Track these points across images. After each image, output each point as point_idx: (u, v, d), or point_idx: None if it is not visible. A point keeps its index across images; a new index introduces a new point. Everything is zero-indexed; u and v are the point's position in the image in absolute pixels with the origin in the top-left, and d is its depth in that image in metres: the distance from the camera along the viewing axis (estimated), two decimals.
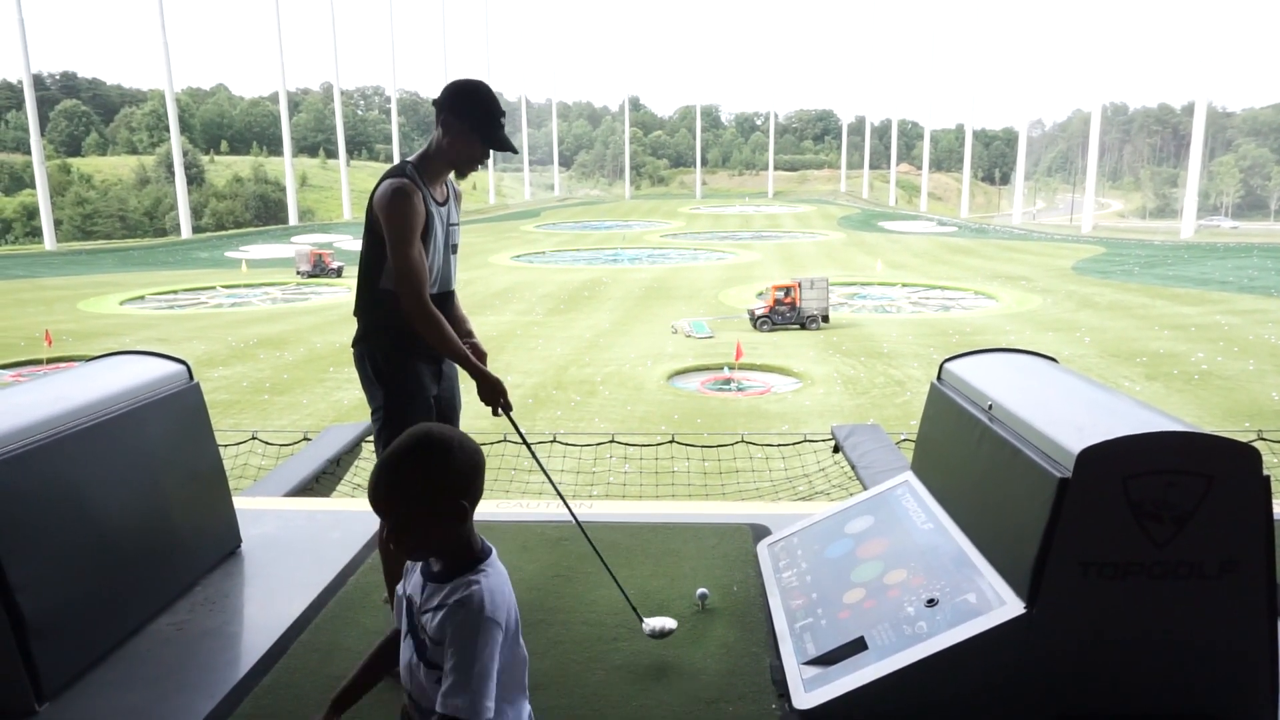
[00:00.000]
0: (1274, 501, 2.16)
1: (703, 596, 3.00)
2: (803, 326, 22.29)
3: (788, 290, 22.62)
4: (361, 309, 2.71)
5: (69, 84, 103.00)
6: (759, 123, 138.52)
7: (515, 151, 2.82)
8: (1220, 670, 2.22)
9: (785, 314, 22.33)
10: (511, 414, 2.74)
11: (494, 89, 2.73)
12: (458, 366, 2.93)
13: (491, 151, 2.70)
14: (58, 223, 58.99)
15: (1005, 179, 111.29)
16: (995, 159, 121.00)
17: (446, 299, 2.76)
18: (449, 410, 2.93)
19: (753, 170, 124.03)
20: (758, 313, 22.66)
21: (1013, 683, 2.26)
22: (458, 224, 2.82)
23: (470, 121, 2.61)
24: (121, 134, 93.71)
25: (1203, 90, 58.82)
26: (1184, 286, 31.20)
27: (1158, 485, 2.12)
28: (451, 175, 2.76)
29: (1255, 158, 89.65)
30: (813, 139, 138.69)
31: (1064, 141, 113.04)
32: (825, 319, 22.82)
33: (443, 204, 2.71)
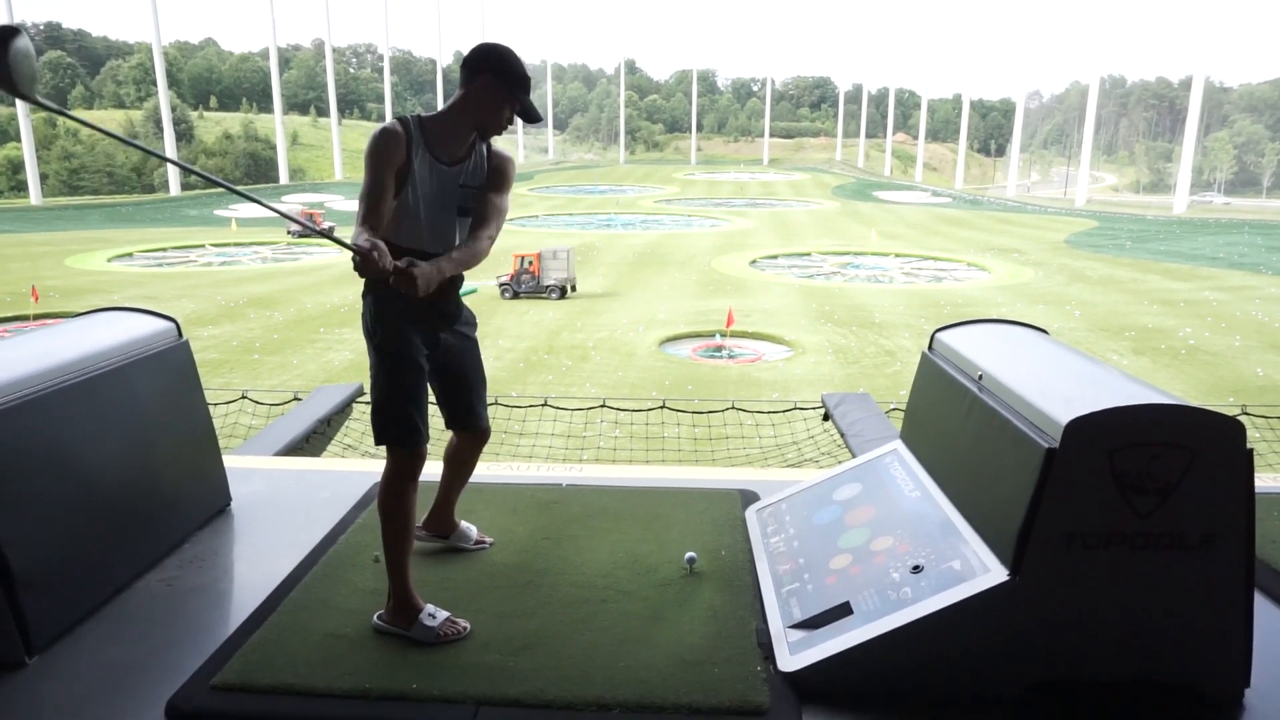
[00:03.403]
0: (1255, 475, 2.18)
1: (691, 560, 3.02)
2: (551, 296, 22.62)
3: (529, 260, 23.09)
4: None
5: (53, 35, 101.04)
6: (755, 89, 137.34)
7: (540, 120, 2.74)
8: (1197, 640, 2.26)
9: (527, 283, 22.95)
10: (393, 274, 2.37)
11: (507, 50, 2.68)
12: (474, 339, 2.88)
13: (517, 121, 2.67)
14: (44, 177, 58.24)
15: (1001, 151, 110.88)
16: (991, 130, 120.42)
17: (422, 255, 2.58)
18: (458, 385, 2.85)
19: (748, 137, 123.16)
20: (501, 280, 23.17)
21: (995, 649, 2.30)
22: (475, 188, 2.68)
23: (505, 80, 2.57)
24: (108, 87, 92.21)
25: (1201, 65, 58.39)
26: (1175, 262, 31.29)
27: (1142, 457, 2.14)
28: (483, 142, 2.69)
29: (1250, 134, 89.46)
30: (809, 106, 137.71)
31: (1060, 114, 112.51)
32: (572, 289, 23.38)
33: (451, 164, 2.63)
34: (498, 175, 2.74)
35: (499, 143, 2.81)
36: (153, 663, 2.49)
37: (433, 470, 2.91)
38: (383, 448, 2.73)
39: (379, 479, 2.69)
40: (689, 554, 3.05)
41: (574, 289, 23.49)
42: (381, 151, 2.50)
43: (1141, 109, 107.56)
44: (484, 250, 2.66)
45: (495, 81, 2.57)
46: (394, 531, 2.64)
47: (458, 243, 2.67)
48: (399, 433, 2.64)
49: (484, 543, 3.21)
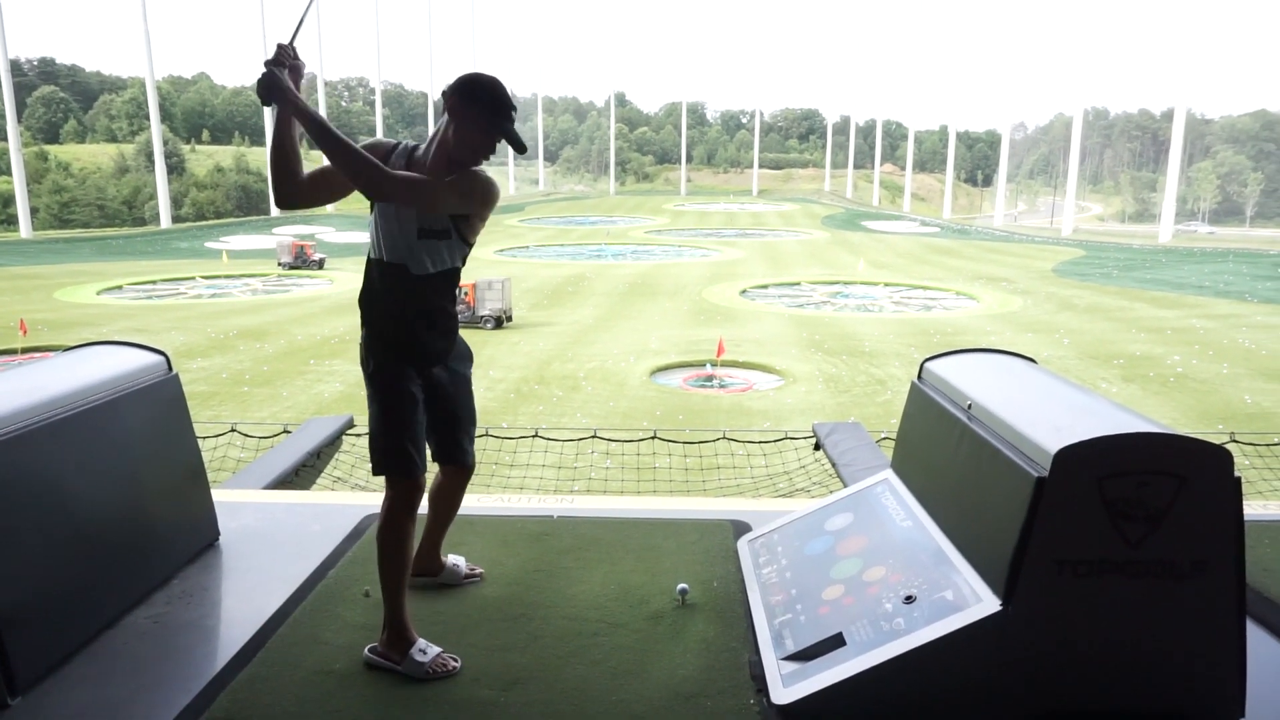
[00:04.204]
0: (1244, 502, 2.19)
1: (683, 592, 3.01)
2: (486, 326, 22.65)
3: (464, 291, 23.14)
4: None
5: (47, 70, 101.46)
6: (744, 120, 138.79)
7: (523, 149, 2.66)
8: (1191, 668, 2.26)
9: (462, 313, 22.93)
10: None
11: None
12: (466, 375, 2.86)
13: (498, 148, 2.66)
14: (34, 210, 58.18)
15: (988, 181, 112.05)
16: (978, 161, 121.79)
17: (395, 271, 2.61)
18: (447, 420, 2.85)
19: (738, 168, 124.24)
20: None
21: (988, 679, 2.29)
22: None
23: (490, 110, 2.55)
24: (100, 122, 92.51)
25: (1182, 97, 59.31)
26: (1161, 290, 31.55)
27: (1132, 485, 2.15)
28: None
29: (1233, 164, 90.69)
30: (798, 138, 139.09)
31: (1046, 145, 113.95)
32: (508, 318, 23.35)
33: None
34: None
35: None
36: (140, 701, 2.45)
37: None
38: (377, 481, 2.73)
39: (373, 511, 2.68)
40: (681, 585, 3.03)
41: (509, 319, 23.30)
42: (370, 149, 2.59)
43: (1125, 140, 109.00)
44: (360, 159, 2.44)
45: (480, 112, 2.56)
46: (391, 562, 2.63)
47: (431, 265, 2.62)
48: (395, 463, 2.65)
49: (475, 575, 3.19)
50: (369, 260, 2.69)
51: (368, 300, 2.69)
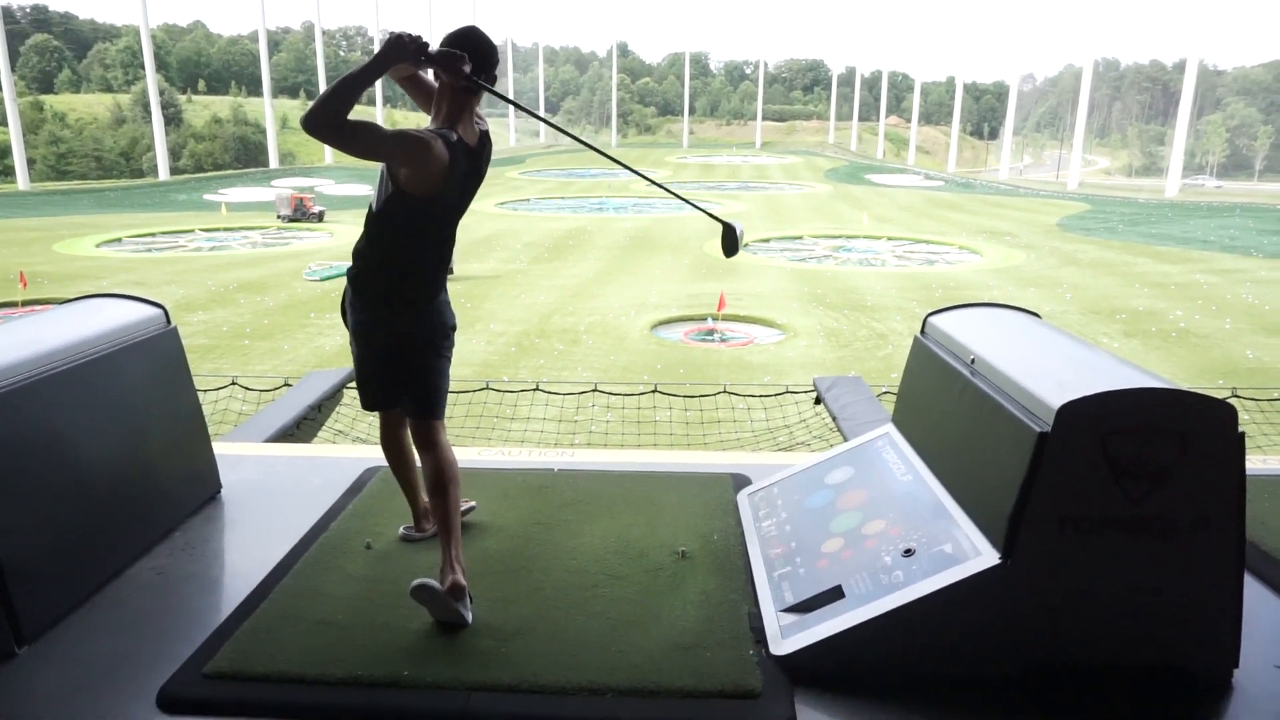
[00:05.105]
0: (1246, 458, 2.19)
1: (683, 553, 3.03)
2: None
3: None
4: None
5: (40, 18, 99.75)
6: (748, 72, 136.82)
7: (479, 88, 2.66)
8: (1188, 622, 2.27)
9: None
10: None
11: (483, 32, 2.70)
12: (412, 347, 2.81)
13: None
14: (31, 162, 57.63)
15: (994, 134, 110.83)
16: (985, 113, 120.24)
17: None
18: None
19: (741, 120, 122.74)
20: None
21: (986, 632, 2.30)
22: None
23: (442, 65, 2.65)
24: (95, 71, 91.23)
25: (1194, 47, 58.36)
26: (1166, 245, 31.34)
27: (1135, 441, 2.14)
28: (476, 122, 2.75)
29: (1243, 117, 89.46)
30: (802, 89, 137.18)
31: (1054, 97, 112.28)
32: (449, 272, 23.23)
33: (477, 149, 2.73)
34: None
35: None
36: (144, 651, 2.48)
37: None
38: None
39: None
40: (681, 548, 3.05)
41: (451, 272, 23.12)
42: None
43: (1135, 92, 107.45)
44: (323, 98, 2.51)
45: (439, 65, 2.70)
46: (458, 498, 2.73)
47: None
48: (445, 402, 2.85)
49: (468, 509, 3.27)
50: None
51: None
